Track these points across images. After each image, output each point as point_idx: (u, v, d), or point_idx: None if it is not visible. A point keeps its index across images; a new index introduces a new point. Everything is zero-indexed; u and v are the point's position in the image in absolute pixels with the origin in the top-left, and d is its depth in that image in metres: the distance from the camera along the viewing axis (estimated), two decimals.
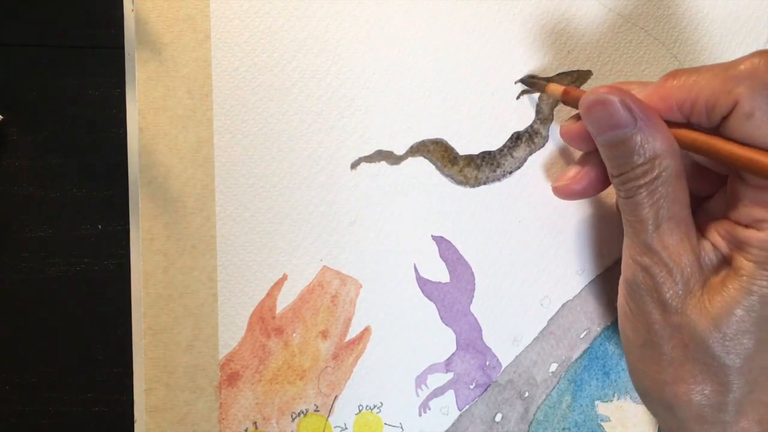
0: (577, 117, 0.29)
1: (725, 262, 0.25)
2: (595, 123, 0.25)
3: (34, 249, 0.32)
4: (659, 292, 0.25)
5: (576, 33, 0.32)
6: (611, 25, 0.32)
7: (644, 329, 0.26)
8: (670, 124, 0.25)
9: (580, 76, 0.32)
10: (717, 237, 0.26)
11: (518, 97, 0.32)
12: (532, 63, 0.32)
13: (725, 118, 0.23)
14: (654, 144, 0.24)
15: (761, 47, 0.33)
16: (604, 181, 0.29)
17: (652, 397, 0.27)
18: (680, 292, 0.25)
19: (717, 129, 0.24)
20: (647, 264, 0.25)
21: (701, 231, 0.26)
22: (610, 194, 0.33)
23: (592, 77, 0.32)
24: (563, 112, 0.32)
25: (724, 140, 0.24)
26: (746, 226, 0.24)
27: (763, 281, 0.24)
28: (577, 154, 0.32)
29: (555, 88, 0.29)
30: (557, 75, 0.32)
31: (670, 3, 0.32)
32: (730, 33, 0.33)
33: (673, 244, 0.25)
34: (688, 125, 0.25)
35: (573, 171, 0.29)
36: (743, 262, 0.24)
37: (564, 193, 0.30)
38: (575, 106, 0.28)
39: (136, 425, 0.31)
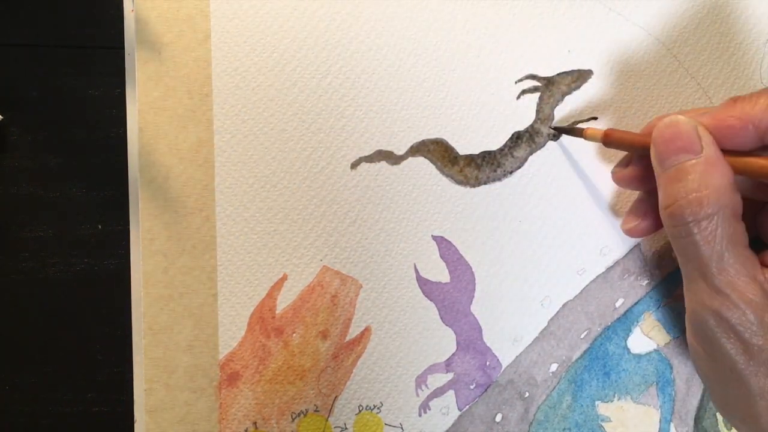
0: (627, 161, 0.30)
1: None
2: (663, 145, 0.25)
3: (34, 249, 0.32)
4: (737, 333, 0.24)
5: (576, 33, 0.32)
6: (611, 25, 0.32)
7: (726, 369, 0.25)
8: (731, 153, 0.25)
9: (580, 76, 0.32)
10: None
11: (518, 97, 0.32)
12: (532, 63, 0.32)
13: None
14: (714, 177, 0.24)
15: (761, 47, 0.33)
16: None
17: (745, 428, 0.26)
18: (758, 330, 0.24)
19: None
20: (717, 307, 0.25)
21: (765, 257, 0.26)
22: (609, 193, 0.32)
23: (592, 77, 0.32)
24: (563, 111, 0.32)
25: None
26: None
27: None
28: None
29: (594, 132, 0.29)
30: (557, 75, 0.32)
31: (671, 3, 0.32)
32: (730, 33, 0.33)
33: (742, 284, 0.24)
34: (747, 153, 0.25)
35: (638, 212, 0.30)
36: None
37: (637, 234, 0.30)
38: (618, 146, 0.28)
39: (136, 425, 0.31)
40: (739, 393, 0.25)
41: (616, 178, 0.30)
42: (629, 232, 0.30)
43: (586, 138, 0.30)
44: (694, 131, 0.25)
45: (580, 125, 0.32)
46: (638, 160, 0.29)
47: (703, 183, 0.24)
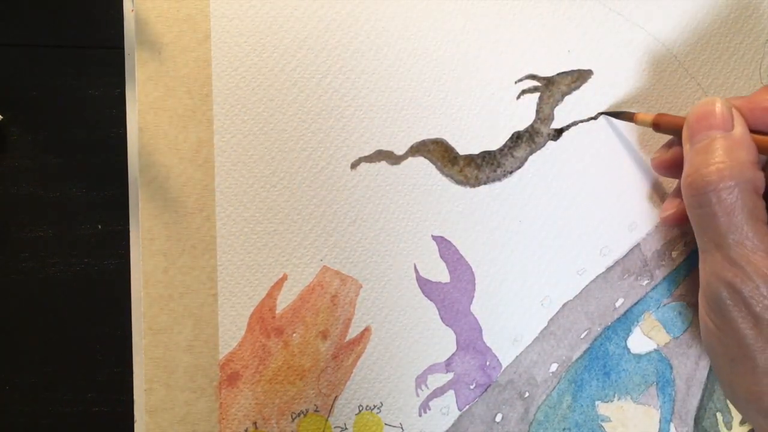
0: (668, 145, 0.30)
1: None
2: (696, 123, 0.26)
3: (34, 249, 0.32)
4: (748, 306, 0.25)
5: (576, 33, 0.32)
6: (611, 25, 0.32)
7: (734, 344, 0.26)
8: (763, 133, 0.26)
9: (580, 76, 0.32)
10: None
11: (518, 97, 0.32)
12: (532, 63, 0.32)
13: None
14: (740, 152, 0.25)
15: (761, 47, 0.33)
16: None
17: (749, 408, 0.27)
18: None
19: None
20: (731, 279, 0.25)
21: None
22: (610, 193, 0.32)
23: (592, 77, 0.32)
24: (563, 111, 0.32)
25: None
26: None
27: None
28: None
29: (645, 117, 0.30)
30: (557, 75, 0.32)
31: (671, 3, 0.32)
32: (730, 33, 0.33)
33: (758, 258, 0.24)
34: None
35: (677, 201, 0.30)
36: None
37: (674, 221, 0.30)
38: (669, 132, 0.29)
39: (136, 425, 0.31)
40: (746, 370, 0.25)
41: (656, 164, 0.31)
42: (665, 220, 0.31)
43: (636, 122, 0.31)
44: (729, 111, 0.26)
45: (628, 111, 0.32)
46: (679, 149, 0.30)
47: (728, 155, 0.25)
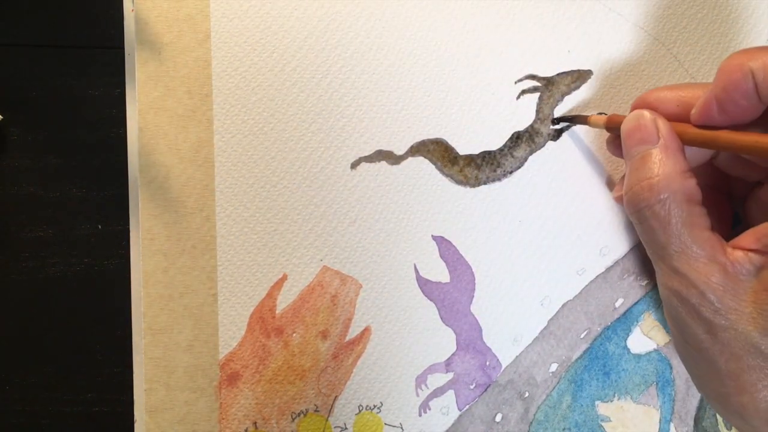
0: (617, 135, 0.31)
1: (765, 267, 0.25)
2: (627, 137, 0.27)
3: (34, 249, 0.32)
4: (698, 313, 0.25)
5: (576, 33, 0.32)
6: (611, 25, 0.32)
7: (695, 350, 0.26)
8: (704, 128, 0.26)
9: (580, 76, 0.32)
10: (755, 243, 0.25)
11: (518, 97, 0.32)
12: (532, 63, 0.32)
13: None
14: (666, 165, 0.25)
15: None
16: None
17: (721, 408, 0.27)
18: (720, 308, 0.25)
19: None
20: (678, 288, 0.25)
21: (738, 240, 0.26)
22: (609, 193, 0.33)
23: (592, 77, 0.32)
24: (563, 112, 0.32)
25: (742, 133, 0.24)
26: None
27: None
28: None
29: (597, 119, 0.30)
30: (557, 75, 0.32)
31: (670, 3, 0.32)
32: (730, 33, 0.33)
33: (700, 265, 0.25)
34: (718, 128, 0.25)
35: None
36: None
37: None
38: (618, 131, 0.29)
39: (136, 425, 0.31)
40: (710, 373, 0.26)
41: (610, 146, 0.31)
42: (620, 200, 0.31)
43: (590, 124, 0.31)
44: (653, 123, 0.26)
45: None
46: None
47: (656, 170, 0.25)
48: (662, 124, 0.26)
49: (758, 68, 0.24)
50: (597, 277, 0.33)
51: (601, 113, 0.32)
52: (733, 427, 0.33)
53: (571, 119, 0.32)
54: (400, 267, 0.32)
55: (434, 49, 0.32)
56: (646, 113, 0.27)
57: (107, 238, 0.33)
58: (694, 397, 0.33)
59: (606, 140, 0.31)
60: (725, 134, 0.25)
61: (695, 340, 0.26)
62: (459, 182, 0.32)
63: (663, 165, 0.25)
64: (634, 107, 0.28)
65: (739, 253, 0.25)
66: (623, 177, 0.31)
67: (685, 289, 0.25)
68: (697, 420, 0.33)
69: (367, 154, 0.32)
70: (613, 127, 0.29)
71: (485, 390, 0.32)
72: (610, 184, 0.32)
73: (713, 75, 0.33)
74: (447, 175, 0.32)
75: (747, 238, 0.25)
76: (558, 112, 0.32)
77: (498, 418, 0.32)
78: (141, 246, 0.31)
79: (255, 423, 0.31)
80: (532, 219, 0.32)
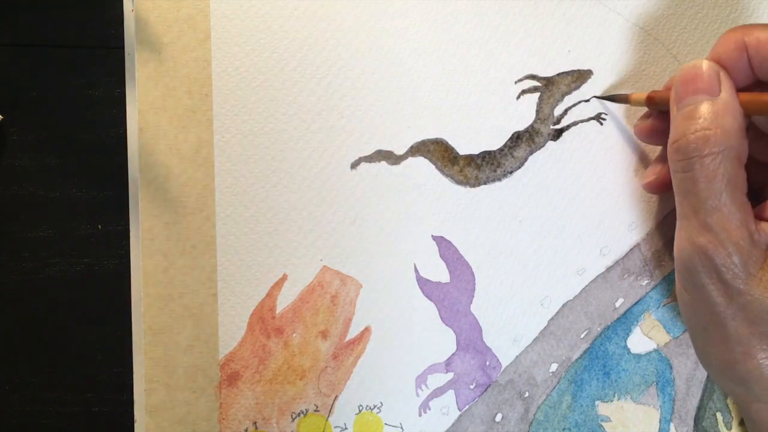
0: (648, 115, 0.31)
1: None
2: (683, 86, 0.26)
3: (34, 249, 0.32)
4: (719, 273, 0.25)
5: (576, 33, 0.32)
6: (611, 25, 0.32)
7: (706, 312, 0.26)
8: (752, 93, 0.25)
9: (580, 76, 0.32)
10: None
11: (518, 97, 0.32)
12: (532, 63, 0.32)
13: None
14: (726, 119, 0.25)
15: None
16: None
17: (723, 376, 0.27)
18: (740, 273, 0.25)
19: None
20: (704, 245, 0.25)
21: (761, 210, 0.26)
22: (610, 193, 0.32)
23: (592, 77, 0.32)
24: (561, 111, 0.32)
25: None
26: None
27: None
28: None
29: (638, 96, 0.30)
30: (557, 75, 0.32)
31: (670, 3, 0.32)
32: None
33: (732, 226, 0.25)
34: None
35: (658, 167, 0.30)
36: None
37: (656, 187, 0.31)
38: (663, 107, 0.28)
39: (136, 425, 0.31)
40: (718, 338, 0.26)
41: (638, 130, 0.31)
42: (648, 186, 0.31)
43: (631, 103, 0.31)
44: (716, 75, 0.26)
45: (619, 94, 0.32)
46: (659, 115, 0.30)
47: (714, 122, 0.25)
48: (725, 77, 0.26)
49: (752, 42, 0.25)
50: (597, 277, 0.33)
51: (600, 114, 0.32)
52: (733, 426, 0.33)
53: (611, 98, 0.32)
54: (400, 267, 0.32)
55: (434, 49, 0.32)
56: (708, 63, 0.26)
57: (107, 238, 0.33)
58: (694, 397, 0.33)
59: (636, 124, 0.31)
60: None
61: (709, 302, 0.25)
62: (459, 182, 0.32)
63: (722, 118, 0.25)
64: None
65: (765, 224, 0.25)
66: (653, 164, 0.31)
67: (713, 247, 0.25)
68: (697, 420, 0.33)
69: (367, 154, 0.32)
70: (656, 100, 0.29)
71: (485, 390, 0.32)
72: (638, 170, 0.32)
73: None
74: (447, 175, 0.32)
75: None
76: (556, 111, 0.32)
77: (498, 418, 0.32)
78: (141, 246, 0.31)
79: (255, 423, 0.31)
80: (532, 219, 0.32)
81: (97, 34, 0.33)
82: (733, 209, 0.25)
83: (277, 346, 0.32)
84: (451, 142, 0.32)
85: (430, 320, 0.32)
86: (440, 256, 0.32)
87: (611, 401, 0.33)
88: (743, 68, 0.26)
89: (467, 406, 0.32)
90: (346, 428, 0.32)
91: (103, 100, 0.33)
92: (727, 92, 0.25)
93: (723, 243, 0.25)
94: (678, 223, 0.27)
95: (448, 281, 0.32)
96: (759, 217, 0.26)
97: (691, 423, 0.33)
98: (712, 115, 0.25)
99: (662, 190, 0.31)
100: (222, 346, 0.31)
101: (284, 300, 0.31)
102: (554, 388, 0.33)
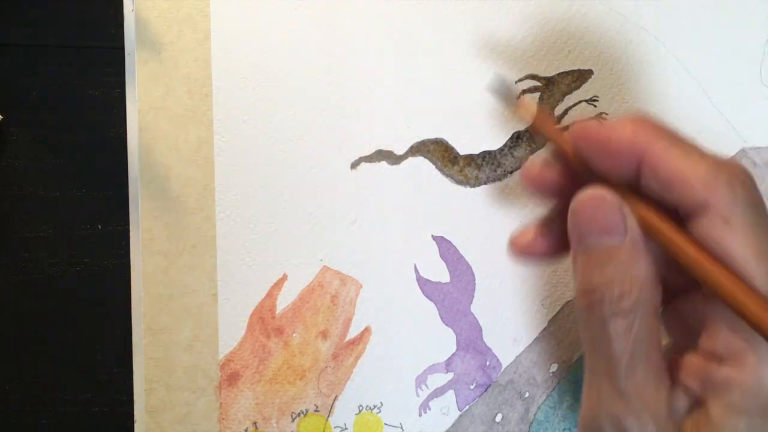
0: (546, 163, 0.24)
1: (697, 404, 0.21)
2: (585, 221, 0.22)
3: (34, 249, 0.32)
4: None
5: (576, 33, 0.32)
6: (611, 25, 0.32)
7: None
8: (640, 199, 0.21)
9: (580, 76, 0.32)
10: (688, 376, 0.22)
11: (518, 97, 0.32)
12: (532, 63, 0.32)
13: (694, 212, 0.20)
14: (639, 267, 0.21)
15: (761, 47, 0.33)
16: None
17: None
18: None
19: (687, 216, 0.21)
20: (618, 413, 0.21)
21: (675, 367, 0.22)
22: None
23: (592, 77, 0.32)
24: (561, 111, 0.32)
25: (696, 247, 0.20)
26: (721, 359, 0.21)
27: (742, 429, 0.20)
28: None
29: (526, 107, 0.24)
30: (557, 75, 0.32)
31: (671, 3, 0.32)
32: (730, 33, 0.33)
33: (648, 393, 0.21)
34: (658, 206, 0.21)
35: (534, 230, 0.25)
36: (717, 410, 0.20)
37: (529, 251, 0.25)
38: (549, 138, 0.23)
39: (136, 425, 0.31)
40: None
41: (526, 175, 0.24)
42: (519, 248, 0.25)
43: (515, 111, 0.25)
44: (620, 211, 0.22)
45: (523, 90, 0.28)
46: (559, 163, 0.24)
47: (626, 273, 0.21)
48: (629, 212, 0.22)
49: (653, 159, 0.21)
50: None
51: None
52: None
53: (503, 91, 0.25)
54: (400, 267, 0.32)
55: (434, 49, 0.32)
56: (611, 196, 0.22)
57: (107, 238, 0.33)
58: None
59: (525, 171, 0.24)
60: (680, 237, 0.21)
61: None
62: (459, 182, 0.32)
63: (634, 267, 0.21)
64: (575, 134, 0.22)
65: (680, 387, 0.22)
66: (540, 222, 0.25)
67: (626, 416, 0.21)
68: None
69: (367, 154, 0.32)
70: (542, 131, 0.23)
71: (485, 390, 0.32)
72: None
73: (713, 74, 0.33)
74: (447, 175, 0.32)
75: (684, 368, 0.22)
76: (558, 111, 0.32)
77: (498, 418, 0.32)
78: (141, 246, 0.31)
79: (255, 423, 0.31)
80: (532, 219, 0.32)
81: (97, 34, 0.33)
82: (647, 372, 0.21)
83: (277, 346, 0.32)
84: (451, 142, 0.32)
85: (430, 320, 0.32)
86: (440, 256, 0.32)
87: None
88: (626, 173, 0.21)
89: (467, 406, 0.32)
90: (346, 428, 0.32)
91: (103, 100, 0.33)
92: (634, 231, 0.21)
93: (638, 412, 0.21)
94: (587, 378, 0.23)
95: (448, 281, 0.32)
96: (672, 375, 0.22)
97: None
98: (622, 263, 0.21)
99: (537, 258, 0.25)
100: (222, 346, 0.31)
101: (284, 300, 0.31)
102: (555, 388, 0.33)
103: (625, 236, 0.21)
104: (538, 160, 0.24)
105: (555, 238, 0.24)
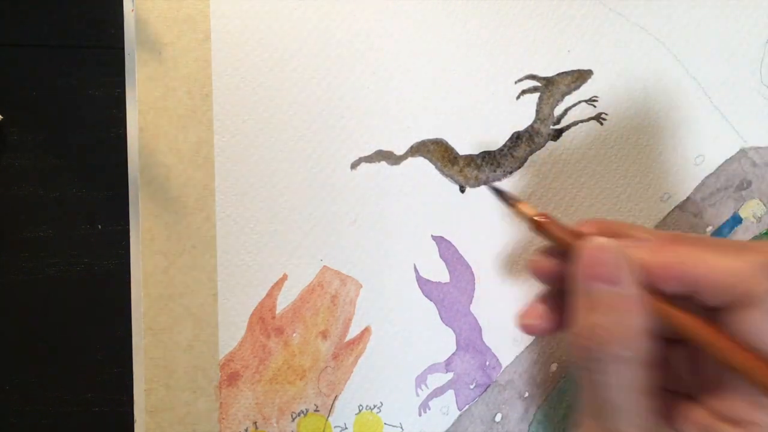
0: (550, 252, 0.25)
1: None
2: (589, 267, 0.23)
3: (34, 249, 0.32)
4: None
5: (576, 33, 0.32)
6: (611, 25, 0.32)
7: None
8: (662, 298, 0.22)
9: (580, 76, 0.32)
10: (690, 426, 0.22)
11: (518, 97, 0.32)
12: (532, 63, 0.32)
13: (732, 305, 0.21)
14: (638, 318, 0.22)
15: (761, 47, 0.33)
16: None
17: None
18: None
19: (716, 311, 0.22)
20: None
21: (669, 408, 0.23)
22: (608, 193, 0.32)
23: (592, 77, 0.32)
24: (561, 111, 0.32)
25: (733, 343, 0.21)
26: (735, 423, 0.21)
27: None
28: None
29: (526, 209, 0.25)
30: (557, 75, 0.32)
31: (670, 3, 0.32)
32: (730, 33, 0.33)
33: None
34: (683, 303, 0.22)
35: (540, 308, 0.26)
36: None
37: (533, 332, 0.26)
38: (550, 238, 0.24)
39: (136, 425, 0.31)
40: None
41: (532, 267, 0.25)
42: (528, 329, 0.26)
43: (514, 212, 0.25)
44: (623, 263, 0.22)
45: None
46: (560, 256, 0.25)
47: (623, 320, 0.22)
48: (631, 266, 0.22)
49: (700, 275, 0.22)
50: None
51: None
52: None
53: (500, 195, 0.27)
54: (400, 267, 0.32)
55: (434, 48, 0.32)
56: (614, 245, 0.23)
57: (107, 238, 0.33)
58: None
59: (531, 263, 0.25)
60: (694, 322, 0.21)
61: None
62: (459, 182, 0.32)
63: (632, 317, 0.22)
64: (585, 228, 0.24)
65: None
66: (542, 302, 0.26)
67: None
68: None
69: (367, 154, 0.32)
70: (545, 232, 0.24)
71: (485, 390, 0.32)
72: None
73: (713, 75, 0.33)
74: (447, 175, 0.32)
75: (686, 418, 0.23)
76: (556, 112, 0.32)
77: (498, 417, 0.32)
78: (141, 246, 0.31)
79: (255, 423, 0.31)
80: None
81: (97, 34, 0.33)
82: (638, 420, 0.22)
83: (277, 346, 0.32)
84: (451, 142, 0.32)
85: (430, 320, 0.32)
86: (440, 256, 0.32)
87: None
88: (675, 287, 0.22)
89: (467, 406, 0.32)
90: (346, 428, 0.32)
91: (103, 100, 0.33)
92: (630, 286, 0.22)
93: None
94: (579, 418, 0.23)
95: (448, 281, 0.32)
96: (666, 417, 0.23)
97: None
98: (621, 312, 0.22)
99: (543, 335, 0.27)
100: (222, 346, 0.31)
101: (284, 300, 0.31)
102: (554, 388, 0.33)
103: (624, 288, 0.22)
104: (543, 253, 0.25)
105: (560, 315, 0.25)
